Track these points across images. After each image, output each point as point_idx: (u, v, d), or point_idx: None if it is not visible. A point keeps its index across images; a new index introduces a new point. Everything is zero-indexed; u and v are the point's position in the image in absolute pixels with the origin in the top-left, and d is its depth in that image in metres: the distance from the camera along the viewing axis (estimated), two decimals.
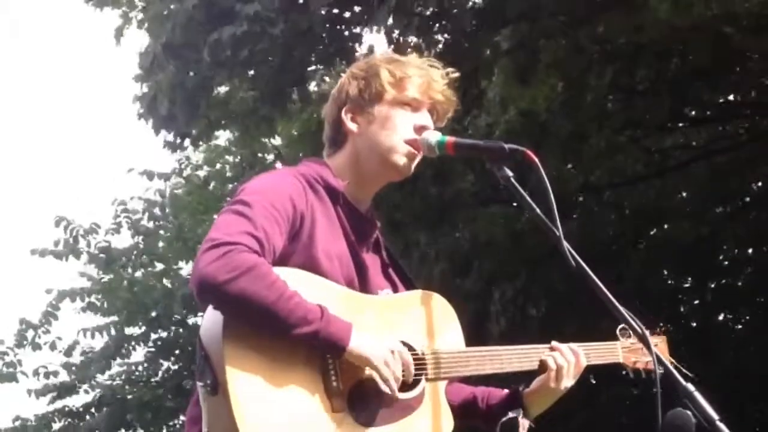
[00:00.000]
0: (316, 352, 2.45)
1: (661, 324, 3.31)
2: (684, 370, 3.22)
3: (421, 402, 2.63)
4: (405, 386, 2.58)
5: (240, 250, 2.37)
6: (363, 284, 2.70)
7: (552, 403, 2.90)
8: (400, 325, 2.66)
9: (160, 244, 14.53)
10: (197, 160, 14.67)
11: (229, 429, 2.34)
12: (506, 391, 2.92)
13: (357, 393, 2.50)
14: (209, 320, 2.44)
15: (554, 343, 2.91)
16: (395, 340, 2.57)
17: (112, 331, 13.77)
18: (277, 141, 12.92)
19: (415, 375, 2.60)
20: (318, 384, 2.45)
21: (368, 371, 2.50)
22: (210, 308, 2.44)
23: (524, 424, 2.83)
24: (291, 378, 2.42)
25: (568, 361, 2.86)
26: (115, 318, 13.84)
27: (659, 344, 3.23)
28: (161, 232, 14.48)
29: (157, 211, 14.46)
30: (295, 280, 2.45)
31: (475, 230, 9.54)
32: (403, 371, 2.53)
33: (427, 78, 2.78)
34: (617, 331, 3.13)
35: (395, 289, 2.82)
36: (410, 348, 2.63)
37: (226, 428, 2.36)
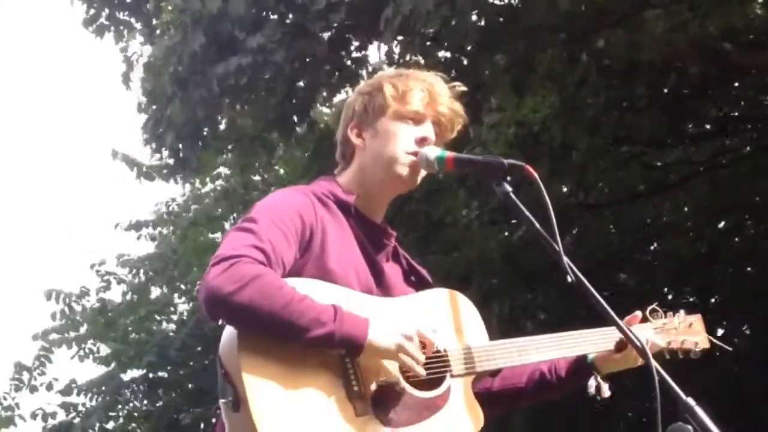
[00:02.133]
0: (333, 356, 2.44)
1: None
2: (719, 343, 3.23)
3: (447, 400, 2.61)
4: (429, 385, 2.56)
5: (245, 261, 2.38)
6: (385, 292, 2.70)
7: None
8: (420, 324, 2.62)
9: (152, 295, 14.49)
10: (186, 200, 14.60)
11: None
12: (570, 360, 2.94)
13: (380, 395, 2.49)
14: (226, 338, 2.45)
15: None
16: (411, 326, 2.54)
17: (103, 387, 13.80)
18: (271, 176, 12.95)
19: (439, 372, 2.59)
20: (339, 389, 2.44)
21: (389, 365, 2.48)
22: (227, 327, 2.44)
23: (604, 386, 2.88)
24: (311, 386, 2.41)
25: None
26: (110, 368, 13.85)
27: (694, 323, 3.19)
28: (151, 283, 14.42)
29: (146, 264, 14.39)
30: (306, 288, 2.44)
31: (470, 248, 9.54)
32: (426, 358, 2.52)
33: (430, 91, 2.79)
34: (647, 313, 3.11)
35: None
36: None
37: None
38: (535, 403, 3.13)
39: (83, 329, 13.86)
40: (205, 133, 8.76)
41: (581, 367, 2.93)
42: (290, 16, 7.90)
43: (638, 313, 3.05)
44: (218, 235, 13.75)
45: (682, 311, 3.20)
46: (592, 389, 2.88)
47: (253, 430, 2.32)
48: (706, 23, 8.25)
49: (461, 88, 2.86)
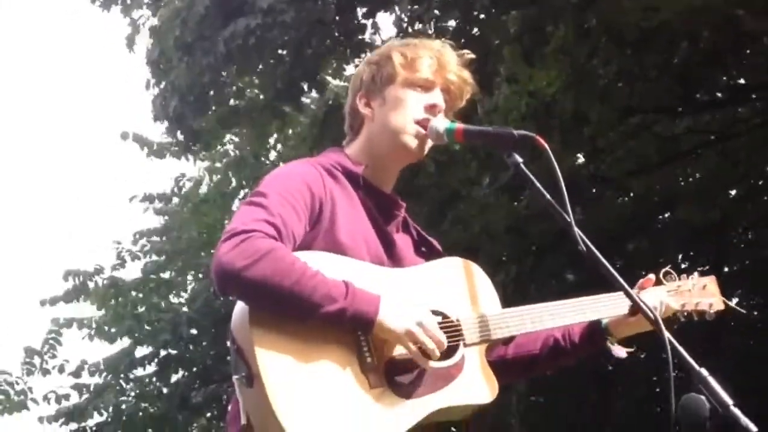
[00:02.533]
0: (346, 329, 2.43)
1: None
2: (733, 306, 3.23)
3: (462, 369, 2.61)
4: (443, 354, 2.54)
5: (257, 236, 2.37)
6: (395, 263, 2.69)
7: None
8: (432, 294, 2.63)
9: (165, 275, 14.53)
10: (199, 175, 14.60)
11: (268, 418, 2.33)
12: (583, 325, 2.95)
13: (393, 366, 2.49)
14: (237, 313, 2.44)
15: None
16: (425, 309, 2.53)
17: (118, 363, 13.86)
18: (286, 149, 12.91)
19: (453, 342, 2.58)
20: (353, 362, 2.44)
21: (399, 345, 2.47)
22: (239, 303, 2.43)
23: (620, 351, 2.92)
24: (324, 359, 2.40)
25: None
26: (123, 344, 13.88)
27: (708, 285, 3.19)
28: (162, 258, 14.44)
29: (155, 238, 14.43)
30: (317, 262, 2.43)
31: (478, 219, 9.52)
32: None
33: (439, 58, 2.78)
34: (661, 276, 3.11)
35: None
36: (444, 316, 2.61)
37: (264, 417, 2.35)
38: (551, 369, 3.18)
39: (91, 306, 13.90)
40: (210, 97, 8.74)
41: (595, 331, 2.95)
42: None
43: (652, 276, 3.07)
44: (233, 208, 13.76)
45: (696, 273, 3.22)
46: (612, 351, 2.91)
47: (267, 405, 2.32)
48: None
49: (470, 55, 2.85)
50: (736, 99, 10.46)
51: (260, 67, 8.84)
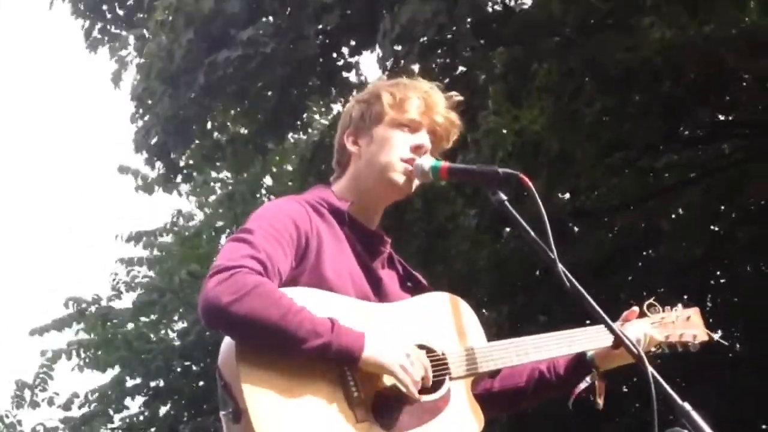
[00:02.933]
0: (331, 364, 2.44)
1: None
2: (716, 338, 3.24)
3: (448, 402, 2.62)
4: (429, 388, 2.56)
5: (243, 272, 2.39)
6: (381, 298, 2.71)
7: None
8: (417, 328, 2.64)
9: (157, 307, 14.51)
10: (190, 210, 14.64)
11: None
12: (569, 357, 2.95)
13: (379, 400, 2.49)
14: (224, 349, 2.45)
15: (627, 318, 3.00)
16: (410, 343, 2.56)
17: (109, 391, 13.81)
18: (268, 181, 12.96)
19: (438, 376, 2.60)
20: (339, 396, 2.45)
21: (386, 378, 2.48)
22: (226, 339, 2.45)
23: (601, 385, 2.89)
24: (311, 393, 2.41)
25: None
26: (112, 372, 13.86)
27: (692, 316, 3.21)
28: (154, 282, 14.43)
29: (146, 270, 14.42)
30: (303, 298, 2.45)
31: (466, 257, 9.56)
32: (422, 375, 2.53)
33: (426, 99, 2.81)
34: (644, 308, 3.13)
35: None
36: (429, 350, 2.62)
37: None
38: (537, 403, 3.14)
39: (82, 332, 13.85)
40: (193, 129, 8.77)
41: (580, 363, 2.95)
42: (287, 11, 7.91)
43: (635, 309, 3.09)
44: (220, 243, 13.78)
45: (679, 305, 3.24)
46: (581, 387, 2.89)
47: None
48: (702, 28, 8.27)
49: (458, 98, 2.88)
50: (719, 135, 10.55)
51: (246, 102, 8.88)
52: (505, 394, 2.94)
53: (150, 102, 8.58)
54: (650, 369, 2.38)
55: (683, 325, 3.18)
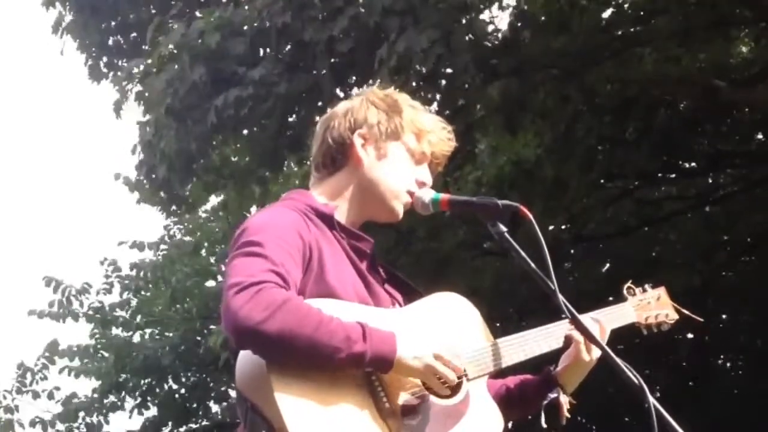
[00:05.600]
0: (360, 374, 2.40)
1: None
2: (686, 312, 3.27)
3: (468, 404, 2.58)
4: (449, 392, 2.53)
5: (269, 287, 2.32)
6: (375, 301, 2.66)
7: (584, 376, 2.87)
8: (429, 331, 2.59)
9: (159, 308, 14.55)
10: (187, 225, 14.66)
11: None
12: (537, 375, 2.89)
13: (407, 409, 2.47)
14: (249, 369, 2.37)
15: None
16: (437, 344, 2.51)
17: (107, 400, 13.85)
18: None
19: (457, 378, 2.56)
20: (371, 407, 2.40)
21: (411, 387, 2.47)
22: (244, 357, 2.38)
23: (565, 401, 2.84)
24: (345, 407, 2.36)
25: (592, 330, 2.78)
26: (108, 379, 13.88)
27: (661, 296, 3.24)
28: (154, 295, 14.47)
29: (148, 274, 14.49)
30: (327, 309, 2.39)
31: (468, 281, 9.56)
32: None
33: (439, 137, 2.79)
34: (624, 291, 3.15)
35: (398, 301, 2.76)
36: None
37: None
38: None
39: (80, 329, 13.88)
40: (195, 166, 8.80)
41: (549, 381, 2.87)
42: (288, 48, 7.94)
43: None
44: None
45: (647, 285, 3.26)
46: (551, 399, 2.82)
47: None
48: (697, 59, 8.33)
49: (452, 137, 2.85)
50: (716, 166, 10.60)
51: (245, 131, 8.91)
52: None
53: (152, 136, 8.62)
54: (652, 400, 2.36)
55: (657, 305, 3.23)
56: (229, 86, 7.68)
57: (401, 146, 2.74)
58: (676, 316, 3.27)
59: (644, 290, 3.23)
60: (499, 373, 2.82)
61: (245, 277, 2.34)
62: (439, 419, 2.52)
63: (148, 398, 14.12)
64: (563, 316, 2.50)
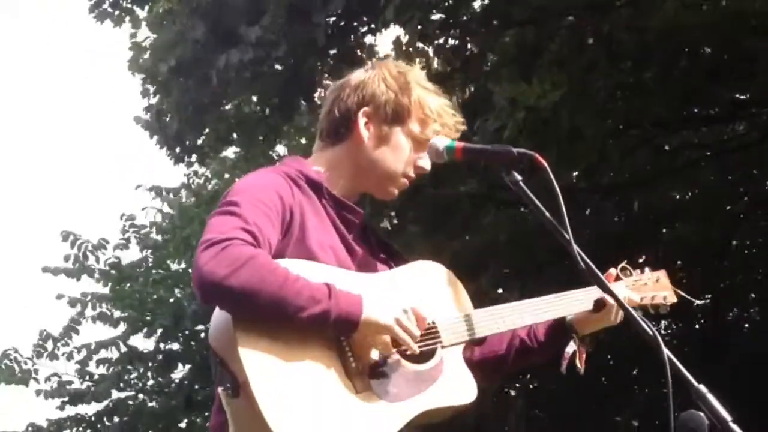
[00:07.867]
0: (328, 334, 2.45)
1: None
2: (684, 295, 3.30)
3: (441, 371, 2.63)
4: (422, 357, 2.58)
5: (236, 244, 2.37)
6: (360, 269, 2.71)
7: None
8: (406, 297, 2.63)
9: (171, 263, 14.56)
10: (206, 172, 14.68)
11: (256, 423, 2.32)
12: (548, 323, 2.98)
13: (376, 370, 2.51)
14: (218, 325, 2.43)
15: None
16: (404, 304, 2.56)
17: (123, 348, 13.86)
18: (281, 149, 12.96)
19: (430, 344, 2.61)
20: (338, 367, 2.45)
21: (382, 341, 2.49)
22: (215, 314, 2.43)
23: (582, 349, 2.95)
24: (310, 365, 2.41)
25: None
26: (123, 327, 13.93)
27: (661, 278, 3.27)
28: (171, 249, 14.47)
29: (165, 224, 14.51)
30: (296, 268, 2.44)
31: (481, 233, 9.52)
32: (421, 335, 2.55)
33: (445, 124, 2.81)
34: (618, 271, 3.18)
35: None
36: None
37: (251, 424, 2.34)
38: (517, 370, 3.20)
39: (96, 285, 13.91)
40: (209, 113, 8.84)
41: (559, 329, 2.98)
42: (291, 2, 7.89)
43: (612, 271, 3.16)
44: None
45: (647, 267, 3.28)
46: (569, 352, 2.93)
47: (255, 415, 2.32)
48: (718, 6, 8.21)
49: (459, 124, 2.86)
50: (734, 114, 10.49)
51: (258, 84, 8.89)
52: (486, 362, 2.95)
53: (161, 87, 8.62)
54: (666, 351, 2.34)
55: (654, 287, 3.25)
56: (230, 43, 7.69)
57: (404, 131, 2.77)
58: (674, 299, 3.31)
59: (642, 271, 3.24)
60: (479, 343, 2.86)
61: (215, 234, 2.39)
62: (410, 383, 2.55)
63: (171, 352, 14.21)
64: (577, 265, 2.48)
